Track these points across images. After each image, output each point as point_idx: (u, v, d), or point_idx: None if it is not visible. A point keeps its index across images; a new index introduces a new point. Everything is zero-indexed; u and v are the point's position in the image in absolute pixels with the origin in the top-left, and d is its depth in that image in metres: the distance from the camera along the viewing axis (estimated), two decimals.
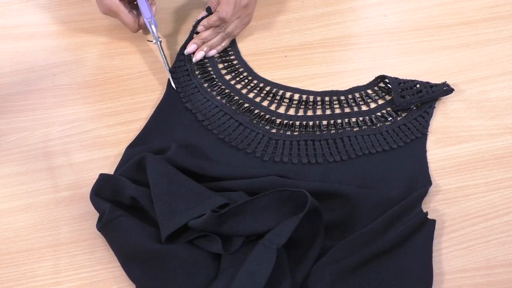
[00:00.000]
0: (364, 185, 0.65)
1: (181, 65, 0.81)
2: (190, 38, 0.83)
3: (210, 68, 0.81)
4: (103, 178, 0.62)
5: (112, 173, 0.66)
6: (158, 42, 0.78)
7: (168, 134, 0.72)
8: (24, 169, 0.69)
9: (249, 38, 0.86)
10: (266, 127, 0.73)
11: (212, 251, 0.56)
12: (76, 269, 0.60)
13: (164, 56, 0.78)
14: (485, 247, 0.59)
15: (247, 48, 0.84)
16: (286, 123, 0.73)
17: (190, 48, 0.80)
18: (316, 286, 0.55)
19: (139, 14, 0.81)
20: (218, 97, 0.77)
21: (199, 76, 0.80)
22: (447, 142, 0.70)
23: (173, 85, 0.76)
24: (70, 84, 0.80)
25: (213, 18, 0.79)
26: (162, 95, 0.77)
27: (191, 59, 0.81)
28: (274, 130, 0.73)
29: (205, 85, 0.78)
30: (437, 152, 0.69)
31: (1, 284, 0.59)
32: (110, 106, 0.77)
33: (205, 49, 0.81)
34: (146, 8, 0.78)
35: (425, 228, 0.59)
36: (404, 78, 0.76)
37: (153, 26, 0.78)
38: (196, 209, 0.57)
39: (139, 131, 0.72)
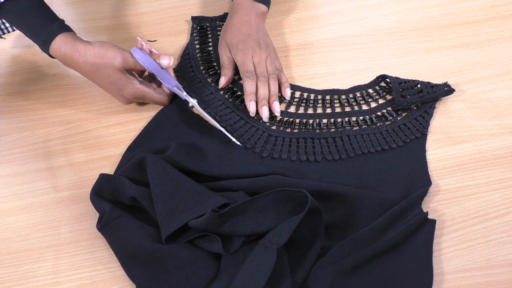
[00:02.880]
0: (362, 184, 0.65)
1: (186, 63, 0.81)
2: (192, 39, 0.84)
3: (215, 64, 0.81)
4: (103, 178, 0.62)
5: (112, 173, 0.66)
6: (196, 103, 0.71)
7: (169, 130, 0.72)
8: (24, 169, 0.70)
9: None
10: (266, 123, 0.73)
11: (212, 251, 0.56)
12: (76, 269, 0.60)
13: (207, 113, 0.72)
14: (485, 247, 0.59)
15: None
16: (286, 120, 0.74)
17: (251, 108, 0.72)
18: (316, 286, 0.55)
19: (159, 82, 0.74)
20: (221, 92, 0.77)
21: (204, 72, 0.80)
22: (447, 142, 0.70)
23: (236, 141, 0.70)
24: (70, 84, 0.80)
25: (245, 83, 0.73)
26: None
27: (195, 56, 0.82)
28: (274, 127, 0.73)
29: (209, 79, 0.79)
30: (437, 152, 0.69)
31: (1, 284, 0.59)
32: (110, 106, 0.77)
33: (264, 103, 0.73)
34: (169, 78, 0.72)
35: (425, 228, 0.59)
36: (405, 78, 0.76)
37: (184, 93, 0.72)
38: (197, 209, 0.57)
39: (139, 131, 0.72)
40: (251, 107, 0.72)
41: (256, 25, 0.79)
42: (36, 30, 0.71)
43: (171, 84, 0.72)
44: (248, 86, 0.73)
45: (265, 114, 0.72)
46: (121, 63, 0.69)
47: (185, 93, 0.72)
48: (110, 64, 0.69)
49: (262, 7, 0.82)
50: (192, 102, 0.71)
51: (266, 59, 0.75)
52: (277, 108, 0.73)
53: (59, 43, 0.70)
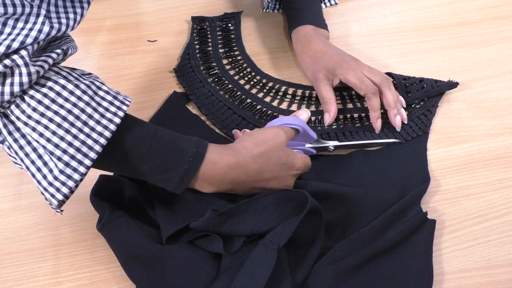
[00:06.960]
0: (362, 180, 0.65)
1: (186, 63, 0.81)
2: (192, 39, 0.84)
3: (214, 64, 0.81)
4: (103, 179, 0.62)
5: (112, 174, 0.66)
6: (336, 142, 0.68)
7: (169, 129, 0.72)
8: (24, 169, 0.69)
9: (249, 38, 0.86)
10: (268, 122, 0.73)
11: (212, 251, 0.56)
12: (76, 269, 0.60)
13: (345, 142, 0.70)
14: (485, 247, 0.59)
15: (247, 48, 0.84)
16: None
17: (379, 126, 0.70)
18: (316, 286, 0.55)
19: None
20: (222, 92, 0.77)
21: (204, 72, 0.80)
22: (448, 142, 0.70)
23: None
24: None
25: (373, 101, 0.69)
26: (162, 95, 0.77)
27: (195, 55, 0.82)
28: None
29: (209, 80, 0.79)
30: (438, 152, 0.69)
31: (1, 284, 0.59)
32: None
33: (395, 112, 0.70)
34: (311, 131, 0.65)
35: (425, 228, 0.59)
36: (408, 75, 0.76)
37: (321, 140, 0.68)
38: (198, 210, 0.57)
39: None
40: (379, 125, 0.70)
41: (335, 46, 0.76)
42: (177, 151, 0.54)
43: (314, 136, 0.66)
44: (375, 102, 0.69)
45: (398, 123, 0.70)
46: (284, 136, 0.60)
47: (326, 141, 0.69)
48: (278, 144, 0.59)
49: (326, 32, 0.80)
50: (333, 143, 0.68)
51: (372, 69, 0.72)
52: (405, 115, 0.71)
53: (217, 152, 0.56)
